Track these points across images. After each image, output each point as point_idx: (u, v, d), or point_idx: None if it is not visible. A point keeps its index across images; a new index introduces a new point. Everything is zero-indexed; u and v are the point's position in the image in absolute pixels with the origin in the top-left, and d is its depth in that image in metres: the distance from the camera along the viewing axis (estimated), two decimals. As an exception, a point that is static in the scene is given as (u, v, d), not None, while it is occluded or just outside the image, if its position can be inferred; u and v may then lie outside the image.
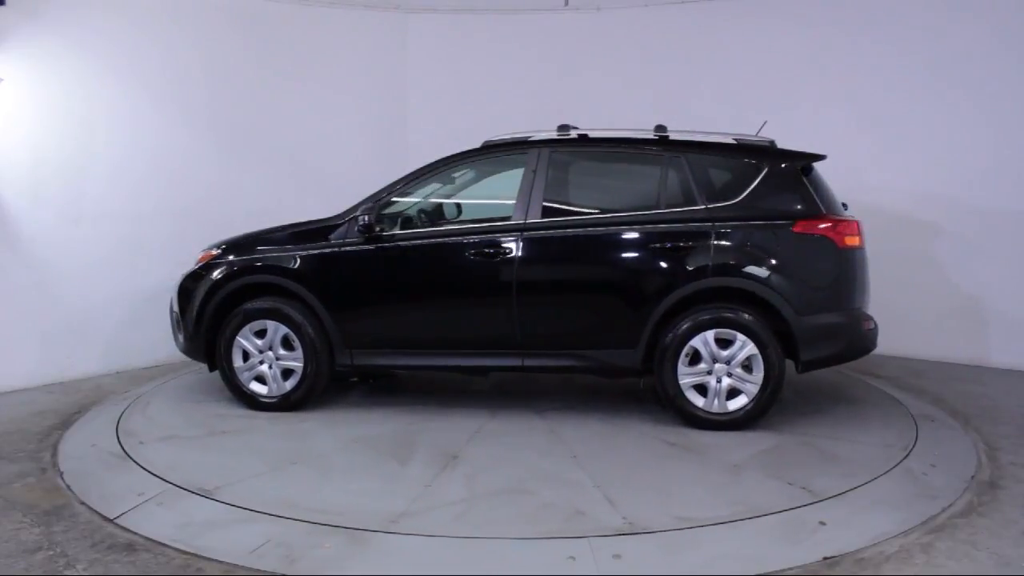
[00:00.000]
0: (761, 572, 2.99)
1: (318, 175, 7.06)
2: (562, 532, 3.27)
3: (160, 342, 6.23)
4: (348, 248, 4.86)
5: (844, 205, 4.83)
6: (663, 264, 4.57)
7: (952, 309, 6.33)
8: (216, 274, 5.00)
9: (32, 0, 5.48)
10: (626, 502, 3.56)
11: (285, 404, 4.95)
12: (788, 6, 6.79)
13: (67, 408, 5.14)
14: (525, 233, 4.68)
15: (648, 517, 3.41)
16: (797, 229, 4.53)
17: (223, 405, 5.06)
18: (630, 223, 4.67)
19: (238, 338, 4.94)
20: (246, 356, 4.97)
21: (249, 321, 4.93)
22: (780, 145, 4.85)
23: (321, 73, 7.16)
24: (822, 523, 3.36)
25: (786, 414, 4.81)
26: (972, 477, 3.91)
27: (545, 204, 4.74)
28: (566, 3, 7.27)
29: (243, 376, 4.98)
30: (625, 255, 4.72)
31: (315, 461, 4.17)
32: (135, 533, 3.34)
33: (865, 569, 3.02)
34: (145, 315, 6.17)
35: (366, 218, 4.74)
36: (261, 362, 4.96)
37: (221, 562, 3.08)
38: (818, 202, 4.57)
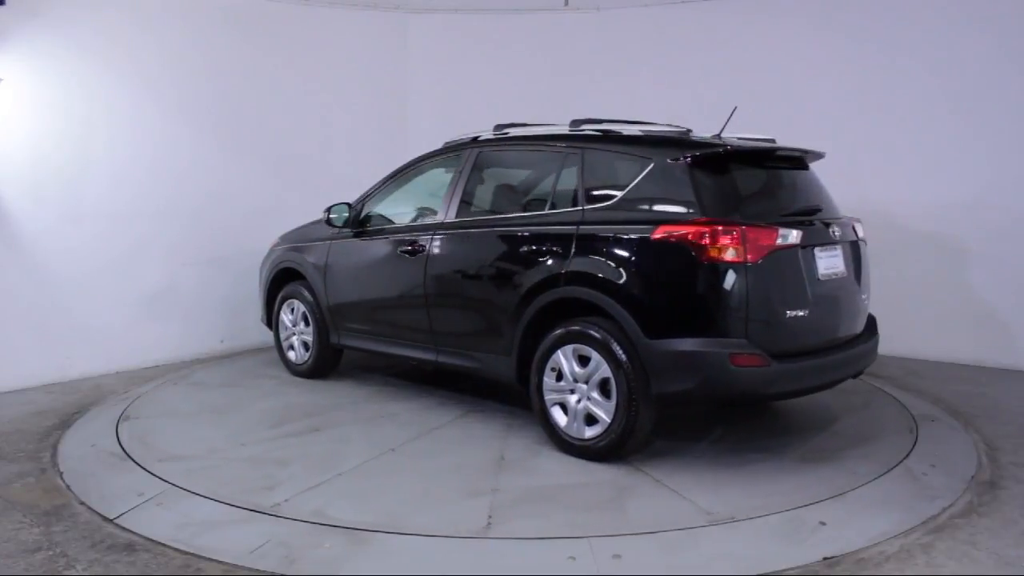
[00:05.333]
0: (761, 572, 2.98)
1: (319, 174, 7.07)
2: (232, 499, 3.57)
3: (160, 342, 6.27)
4: (332, 241, 5.49)
5: (817, 209, 4.22)
6: (528, 271, 4.27)
7: (952, 309, 6.32)
8: (271, 260, 5.99)
9: (32, 0, 5.48)
10: (323, 492, 3.66)
11: (305, 371, 5.75)
12: (789, 6, 6.79)
13: (67, 408, 5.14)
14: (437, 232, 4.81)
15: (304, 508, 3.49)
16: (656, 235, 3.81)
17: (275, 368, 6.02)
18: (507, 225, 4.50)
19: (281, 314, 5.89)
20: (284, 329, 5.89)
21: (285, 300, 5.83)
22: (779, 143, 4.40)
23: (322, 73, 7.17)
24: (822, 523, 3.36)
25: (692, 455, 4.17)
26: (972, 477, 3.90)
27: (461, 205, 4.80)
28: (566, 3, 7.27)
29: (283, 345, 5.92)
30: (500, 260, 4.49)
31: (229, 413, 4.94)
32: (135, 533, 3.34)
33: (865, 569, 3.02)
34: (145, 315, 6.19)
35: (325, 215, 5.40)
36: (292, 335, 5.84)
37: (221, 562, 3.08)
38: (698, 203, 3.79)
